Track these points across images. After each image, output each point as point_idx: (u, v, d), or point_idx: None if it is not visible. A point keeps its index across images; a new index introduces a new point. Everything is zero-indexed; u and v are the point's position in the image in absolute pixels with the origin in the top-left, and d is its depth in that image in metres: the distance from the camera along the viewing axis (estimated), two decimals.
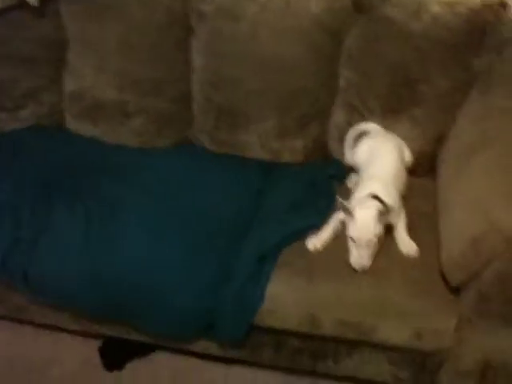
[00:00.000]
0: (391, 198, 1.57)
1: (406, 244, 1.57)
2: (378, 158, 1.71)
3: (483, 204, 1.32)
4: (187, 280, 1.56)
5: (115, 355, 1.86)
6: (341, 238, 1.57)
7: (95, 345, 1.89)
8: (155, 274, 1.57)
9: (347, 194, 1.67)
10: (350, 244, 1.51)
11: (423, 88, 1.74)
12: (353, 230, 1.49)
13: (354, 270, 1.48)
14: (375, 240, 1.48)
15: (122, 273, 1.58)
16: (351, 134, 1.87)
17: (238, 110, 1.91)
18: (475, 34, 1.65)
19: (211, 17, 1.81)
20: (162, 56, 1.92)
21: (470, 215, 1.35)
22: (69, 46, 1.97)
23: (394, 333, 1.49)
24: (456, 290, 1.45)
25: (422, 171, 1.86)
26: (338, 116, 1.91)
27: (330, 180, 1.86)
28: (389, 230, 1.58)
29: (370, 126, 1.85)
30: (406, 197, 1.72)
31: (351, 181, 1.82)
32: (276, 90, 1.86)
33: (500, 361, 1.51)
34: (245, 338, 1.60)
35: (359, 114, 1.86)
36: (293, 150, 1.94)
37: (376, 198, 1.52)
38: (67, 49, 1.97)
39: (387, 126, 1.84)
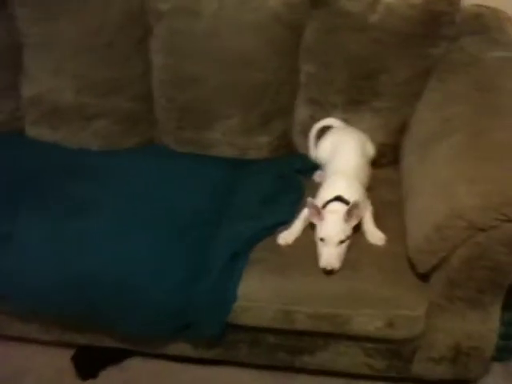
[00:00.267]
0: (356, 193, 1.59)
1: (374, 234, 1.59)
2: (339, 154, 1.73)
3: (446, 191, 1.34)
4: (159, 278, 1.54)
5: (89, 363, 1.83)
6: (311, 232, 1.57)
7: (68, 354, 1.85)
8: (125, 274, 1.55)
9: (314, 188, 1.68)
10: (320, 246, 1.51)
11: (383, 79, 1.76)
12: (322, 231, 1.51)
13: (325, 272, 1.48)
14: (345, 240, 1.49)
15: (91, 274, 1.56)
16: (313, 130, 1.88)
17: (201, 108, 1.90)
18: (431, 24, 1.68)
19: (169, 15, 1.80)
20: (120, 56, 1.89)
21: (434, 202, 1.36)
22: (24, 50, 1.93)
23: (368, 323, 1.49)
24: (425, 277, 1.47)
25: (386, 162, 1.88)
26: (301, 111, 1.92)
27: (297, 175, 1.86)
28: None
29: (332, 121, 1.87)
30: (372, 187, 1.74)
31: (318, 175, 1.83)
32: (238, 87, 1.86)
33: (470, 345, 1.54)
34: (221, 335, 1.58)
35: (322, 108, 1.87)
36: (258, 146, 1.94)
37: (342, 199, 1.55)
38: (23, 53, 1.93)
39: (350, 119, 1.85)
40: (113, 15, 1.83)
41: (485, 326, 1.51)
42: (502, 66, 1.58)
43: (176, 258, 1.57)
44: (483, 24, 1.74)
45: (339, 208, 1.53)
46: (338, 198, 1.55)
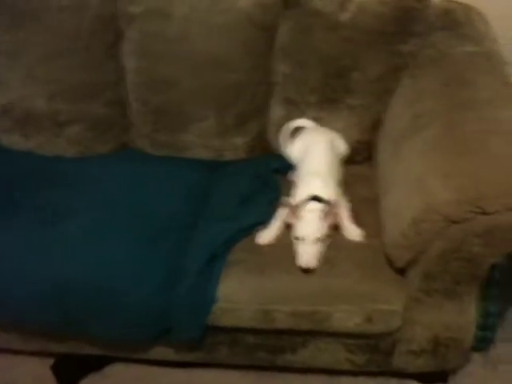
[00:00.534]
0: (331, 191, 1.60)
1: (351, 230, 1.60)
2: (311, 154, 1.75)
3: (421, 185, 1.35)
4: (137, 282, 1.53)
5: (69, 372, 1.81)
6: (288, 231, 1.57)
7: (48, 363, 1.83)
8: (103, 279, 1.54)
9: (291, 187, 1.69)
10: (297, 245, 1.52)
11: (355, 77, 1.77)
12: (299, 230, 1.51)
13: (303, 271, 1.49)
14: (322, 238, 1.50)
15: (68, 281, 1.54)
16: (285, 132, 1.90)
17: (175, 110, 1.90)
18: (402, 21, 1.69)
19: (140, 18, 1.79)
20: (93, 61, 1.88)
21: (409, 197, 1.38)
22: None
23: (347, 319, 1.50)
24: (402, 271, 1.48)
25: (361, 159, 1.90)
26: (276, 111, 1.92)
27: (273, 174, 1.87)
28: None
29: (303, 122, 1.88)
30: (348, 184, 1.75)
31: (294, 174, 1.83)
32: (212, 89, 1.85)
33: (449, 336, 1.56)
34: (201, 338, 1.58)
35: (297, 107, 1.87)
36: (234, 147, 1.94)
37: (318, 198, 1.56)
38: None
39: (325, 118, 1.86)
40: (84, 20, 1.81)
41: (462, 317, 1.54)
42: (472, 60, 1.60)
43: (153, 261, 1.57)
44: (453, 19, 1.76)
45: (315, 207, 1.54)
46: (314, 197, 1.56)
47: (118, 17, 1.82)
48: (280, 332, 1.59)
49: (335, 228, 1.58)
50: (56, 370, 1.81)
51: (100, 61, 1.89)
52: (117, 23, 1.83)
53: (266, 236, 1.60)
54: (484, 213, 1.26)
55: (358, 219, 1.62)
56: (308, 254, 1.49)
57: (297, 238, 1.52)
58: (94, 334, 1.63)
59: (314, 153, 1.74)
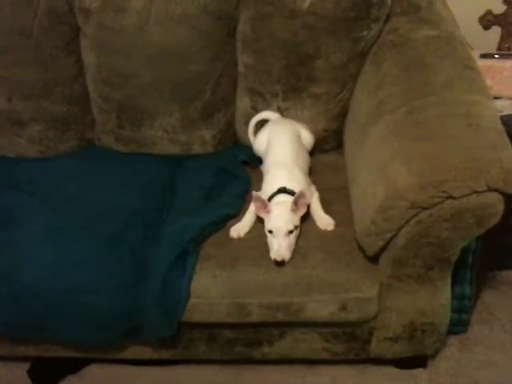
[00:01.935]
0: (299, 182, 1.59)
1: (323, 219, 1.59)
2: (276, 146, 1.73)
3: (385, 172, 1.34)
4: (100, 283, 1.51)
5: (45, 375, 1.78)
6: (260, 224, 1.56)
7: (24, 367, 1.79)
8: (65, 282, 1.51)
9: (261, 179, 1.68)
10: (269, 238, 1.51)
11: (318, 64, 1.76)
12: (270, 223, 1.50)
13: (276, 264, 1.48)
14: (293, 230, 1.49)
15: (30, 285, 1.51)
16: (251, 125, 1.89)
17: (138, 105, 1.87)
18: (362, 6, 1.67)
19: (97, 12, 1.76)
20: (51, 58, 1.84)
21: (375, 184, 1.37)
22: None
23: (321, 309, 1.50)
24: (375, 259, 1.48)
25: (329, 147, 1.90)
26: (242, 102, 1.90)
27: (243, 166, 1.85)
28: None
29: (268, 114, 1.87)
30: (318, 173, 1.76)
31: (262, 166, 1.82)
32: (172, 82, 1.83)
33: (424, 321, 1.57)
34: (175, 335, 1.56)
35: (262, 98, 1.86)
36: (202, 140, 1.92)
37: (286, 190, 1.55)
38: None
39: (291, 108, 1.85)
40: (36, 16, 1.77)
41: (437, 301, 1.54)
42: (433, 44, 1.59)
43: (117, 260, 1.54)
44: (414, 4, 1.75)
45: (285, 199, 1.53)
46: (283, 190, 1.56)
47: (73, 12, 1.79)
48: (256, 325, 1.58)
49: (306, 217, 1.57)
50: (32, 374, 1.78)
51: (56, 57, 1.85)
52: (73, 19, 1.80)
53: (240, 229, 1.59)
54: (450, 197, 1.26)
55: (329, 208, 1.62)
56: (281, 247, 1.48)
57: (269, 232, 1.51)
58: (62, 338, 1.61)
59: (279, 144, 1.73)
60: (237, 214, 1.63)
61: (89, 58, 1.85)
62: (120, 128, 1.92)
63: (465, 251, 1.58)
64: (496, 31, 1.94)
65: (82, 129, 1.97)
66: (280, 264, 1.47)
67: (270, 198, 1.56)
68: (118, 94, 1.86)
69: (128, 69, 1.82)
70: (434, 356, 1.78)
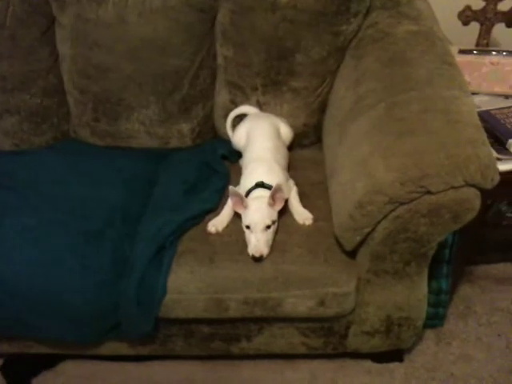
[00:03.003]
0: (277, 176, 1.58)
1: (301, 214, 1.58)
2: (253, 140, 1.72)
3: (365, 167, 1.34)
4: (78, 280, 1.48)
5: (19, 372, 1.76)
6: (238, 219, 1.55)
7: None
8: (43, 278, 1.48)
9: (240, 173, 1.67)
10: (247, 233, 1.50)
11: (298, 58, 1.75)
12: (248, 218, 1.49)
13: (254, 260, 1.47)
14: (271, 225, 1.48)
15: (6, 281, 1.48)
16: (229, 119, 1.88)
17: (115, 98, 1.84)
18: (342, 1, 1.66)
19: (73, 3, 1.72)
20: (25, 48, 1.80)
21: (354, 179, 1.36)
22: None
23: (299, 304, 1.49)
24: (353, 253, 1.48)
25: (309, 142, 1.89)
26: (221, 95, 1.89)
27: (222, 160, 1.84)
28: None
29: (246, 109, 1.86)
30: (298, 168, 1.75)
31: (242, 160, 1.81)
32: (151, 74, 1.81)
33: (401, 315, 1.58)
34: (153, 331, 1.55)
35: (242, 91, 1.85)
36: (180, 134, 1.90)
37: (264, 185, 1.54)
38: None
39: (270, 102, 1.84)
40: (9, 6, 1.73)
41: (414, 296, 1.55)
42: (413, 39, 1.59)
43: (96, 256, 1.52)
44: None
45: (262, 194, 1.52)
46: (260, 184, 1.54)
47: (48, 2, 1.75)
48: (234, 320, 1.58)
49: (284, 211, 1.56)
50: (5, 370, 1.76)
51: (30, 48, 1.81)
52: (48, 9, 1.76)
53: (218, 224, 1.57)
54: (428, 192, 1.26)
55: (309, 203, 1.61)
56: (258, 242, 1.46)
57: (247, 227, 1.49)
58: (40, 336, 1.59)
59: (257, 139, 1.72)
60: (215, 209, 1.62)
61: (64, 49, 1.82)
62: (96, 121, 1.89)
63: (442, 246, 1.60)
64: (475, 27, 1.94)
65: (57, 121, 1.94)
66: (258, 260, 1.46)
67: (248, 193, 1.55)
68: (94, 87, 1.83)
69: (105, 61, 1.79)
70: (410, 350, 1.80)
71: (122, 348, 1.65)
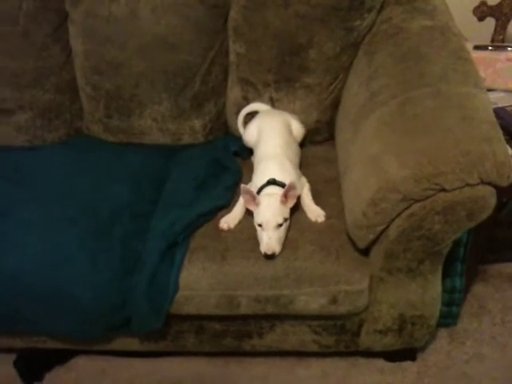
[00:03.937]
0: (289, 174, 1.57)
1: (313, 211, 1.57)
2: (265, 137, 1.72)
3: (378, 164, 1.32)
4: (88, 275, 1.49)
5: (32, 367, 1.77)
6: (250, 216, 1.54)
7: (10, 359, 1.78)
8: (53, 274, 1.49)
9: (252, 170, 1.66)
10: (259, 231, 1.49)
11: (311, 54, 1.74)
12: (260, 216, 1.48)
13: (266, 257, 1.46)
14: (283, 222, 1.47)
15: (15, 276, 1.48)
16: (240, 117, 1.87)
17: (127, 94, 1.85)
18: None
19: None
20: (38, 45, 1.81)
21: (367, 176, 1.35)
22: None
23: (311, 301, 1.49)
24: (366, 251, 1.47)
25: (322, 139, 1.88)
26: (233, 92, 1.88)
27: (233, 157, 1.83)
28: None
29: (258, 106, 1.85)
30: (310, 165, 1.74)
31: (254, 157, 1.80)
32: (164, 71, 1.81)
33: (414, 314, 1.57)
34: (164, 328, 1.55)
35: (254, 88, 1.84)
36: (192, 130, 1.90)
37: (276, 182, 1.53)
38: None
39: (283, 98, 1.83)
40: (23, 3, 1.74)
41: (427, 294, 1.54)
42: (427, 35, 1.57)
43: (107, 252, 1.52)
44: None
45: (274, 191, 1.51)
46: (272, 182, 1.54)
47: None
48: (246, 317, 1.57)
49: (296, 209, 1.56)
50: (18, 365, 1.77)
51: (43, 45, 1.82)
52: (61, 5, 1.77)
53: (230, 220, 1.57)
54: (443, 190, 1.25)
55: (321, 200, 1.60)
56: (271, 240, 1.45)
57: (259, 225, 1.48)
58: (48, 332, 1.59)
59: (269, 136, 1.71)
60: (227, 206, 1.61)
61: (76, 45, 1.82)
62: (108, 117, 1.90)
63: (456, 244, 1.58)
64: (490, 23, 1.92)
65: (70, 118, 1.94)
66: (270, 257, 1.46)
67: (260, 190, 1.54)
68: (106, 83, 1.84)
69: (117, 57, 1.79)
70: (423, 349, 1.78)
71: (134, 344, 1.65)
